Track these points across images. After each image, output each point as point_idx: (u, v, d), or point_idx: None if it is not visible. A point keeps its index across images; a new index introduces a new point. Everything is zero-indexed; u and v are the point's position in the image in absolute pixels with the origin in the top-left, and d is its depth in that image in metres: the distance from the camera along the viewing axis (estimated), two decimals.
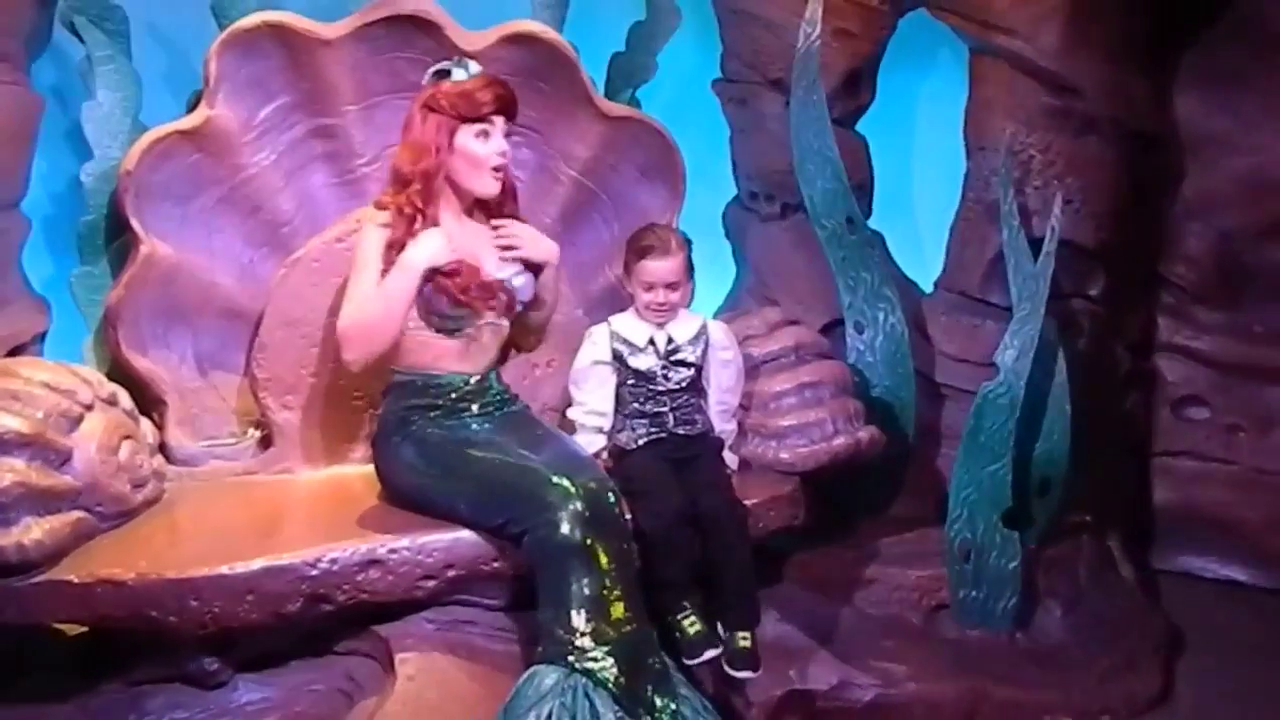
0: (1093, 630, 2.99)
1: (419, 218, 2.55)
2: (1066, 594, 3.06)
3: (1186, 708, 2.89)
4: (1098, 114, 3.18)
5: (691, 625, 2.47)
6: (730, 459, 2.83)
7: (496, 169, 2.61)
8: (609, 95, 3.27)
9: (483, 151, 2.58)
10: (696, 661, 2.45)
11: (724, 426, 2.81)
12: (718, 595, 2.53)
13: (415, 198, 2.55)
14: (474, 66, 2.61)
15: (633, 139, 3.03)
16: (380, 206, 2.59)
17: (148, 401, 2.80)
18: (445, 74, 2.60)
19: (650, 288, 2.68)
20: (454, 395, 2.62)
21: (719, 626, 2.51)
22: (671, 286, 2.68)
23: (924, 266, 3.44)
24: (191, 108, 2.85)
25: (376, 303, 2.50)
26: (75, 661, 2.50)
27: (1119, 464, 3.48)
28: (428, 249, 2.52)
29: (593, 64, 3.22)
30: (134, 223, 2.72)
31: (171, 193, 2.77)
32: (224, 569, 2.31)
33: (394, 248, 2.54)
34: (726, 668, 2.50)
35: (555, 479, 2.38)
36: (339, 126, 2.89)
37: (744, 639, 2.51)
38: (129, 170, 2.69)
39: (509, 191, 2.73)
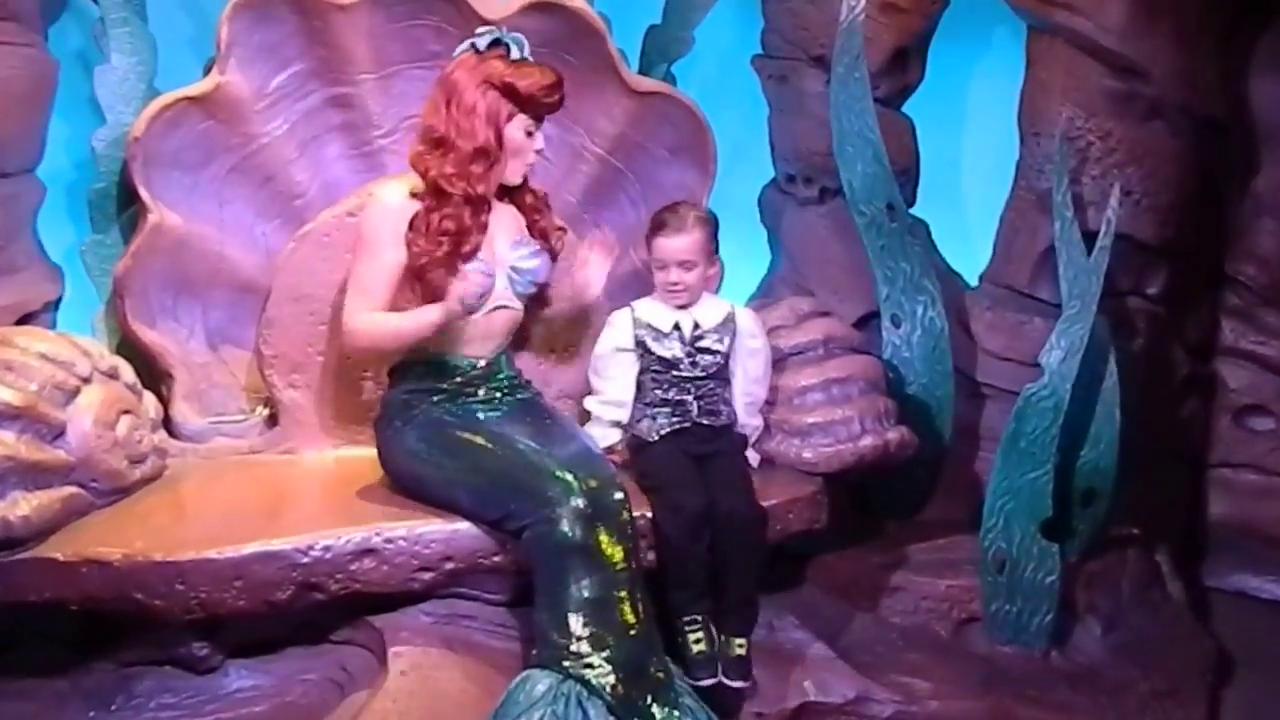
0: (1134, 651, 2.83)
1: (486, 207, 2.47)
2: (1108, 611, 2.90)
3: None
4: (1164, 99, 2.99)
5: (697, 643, 2.38)
6: (753, 456, 2.70)
7: (529, 163, 2.55)
8: (643, 70, 3.17)
9: (525, 146, 2.51)
10: (697, 684, 2.35)
11: (750, 421, 2.69)
12: (720, 597, 2.44)
13: (479, 182, 2.44)
14: (525, 44, 2.52)
15: (662, 116, 2.91)
16: (423, 172, 2.45)
17: (156, 375, 2.75)
18: (501, 45, 2.49)
19: (663, 266, 2.60)
20: (459, 379, 2.52)
21: (714, 630, 2.41)
22: (684, 265, 2.58)
23: (970, 258, 3.29)
24: (208, 73, 2.77)
25: (395, 334, 2.47)
26: (71, 637, 2.45)
27: (1172, 475, 3.30)
28: (476, 290, 2.44)
29: (627, 37, 3.12)
30: (142, 191, 2.67)
31: (181, 161, 2.71)
32: (212, 553, 2.25)
33: (435, 219, 2.43)
34: (721, 675, 2.40)
35: (558, 473, 2.28)
36: (355, 96, 2.81)
37: (740, 646, 2.43)
38: (137, 137, 2.64)
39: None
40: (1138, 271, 3.10)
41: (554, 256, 2.66)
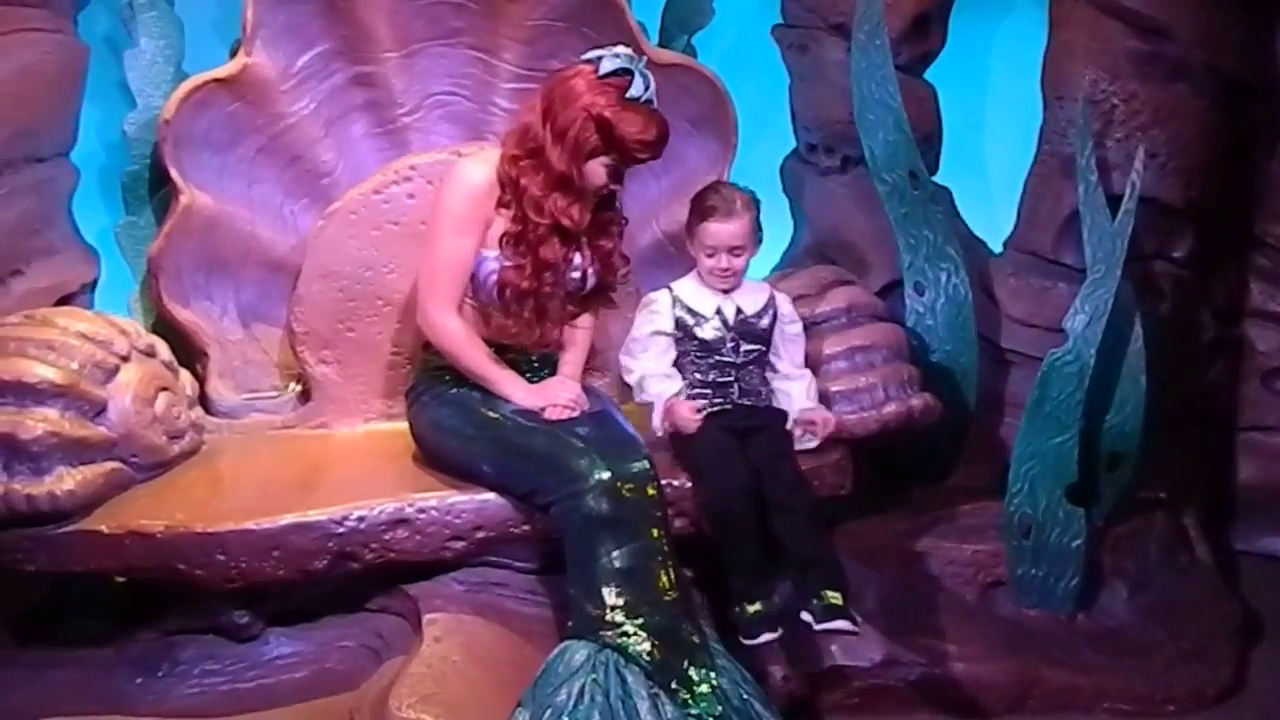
0: (1160, 614, 2.82)
1: (578, 240, 2.44)
2: (1134, 574, 2.90)
3: (1259, 700, 2.70)
4: (1189, 59, 2.96)
5: (751, 603, 2.34)
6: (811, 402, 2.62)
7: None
8: (663, 42, 3.16)
9: (599, 184, 2.44)
10: (753, 643, 2.32)
11: (811, 404, 2.62)
12: (798, 570, 2.38)
13: (564, 215, 2.39)
14: (651, 82, 2.39)
15: (682, 88, 2.90)
16: (513, 178, 2.39)
17: (190, 353, 2.81)
18: (625, 74, 2.36)
19: (713, 253, 2.52)
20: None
21: (805, 595, 2.35)
22: (735, 251, 2.52)
23: (994, 225, 3.27)
24: (234, 55, 2.81)
25: (466, 363, 2.45)
26: (116, 607, 2.53)
27: (1200, 438, 3.28)
28: (535, 399, 2.43)
29: (646, 9, 3.11)
30: (173, 172, 2.71)
31: (210, 142, 2.75)
32: (250, 524, 2.31)
33: (532, 246, 2.40)
34: (817, 625, 2.32)
35: (583, 448, 2.30)
36: (378, 74, 2.83)
37: (834, 597, 2.32)
38: (167, 119, 2.68)
39: None
40: (1163, 235, 3.07)
41: (608, 288, 2.56)
